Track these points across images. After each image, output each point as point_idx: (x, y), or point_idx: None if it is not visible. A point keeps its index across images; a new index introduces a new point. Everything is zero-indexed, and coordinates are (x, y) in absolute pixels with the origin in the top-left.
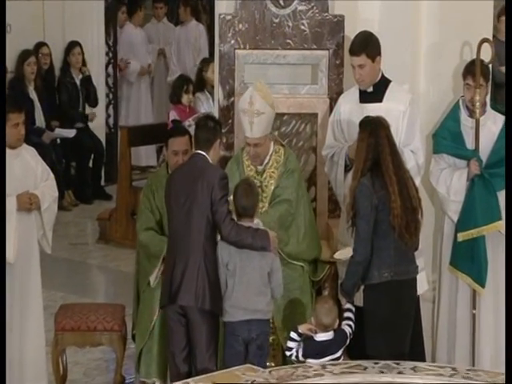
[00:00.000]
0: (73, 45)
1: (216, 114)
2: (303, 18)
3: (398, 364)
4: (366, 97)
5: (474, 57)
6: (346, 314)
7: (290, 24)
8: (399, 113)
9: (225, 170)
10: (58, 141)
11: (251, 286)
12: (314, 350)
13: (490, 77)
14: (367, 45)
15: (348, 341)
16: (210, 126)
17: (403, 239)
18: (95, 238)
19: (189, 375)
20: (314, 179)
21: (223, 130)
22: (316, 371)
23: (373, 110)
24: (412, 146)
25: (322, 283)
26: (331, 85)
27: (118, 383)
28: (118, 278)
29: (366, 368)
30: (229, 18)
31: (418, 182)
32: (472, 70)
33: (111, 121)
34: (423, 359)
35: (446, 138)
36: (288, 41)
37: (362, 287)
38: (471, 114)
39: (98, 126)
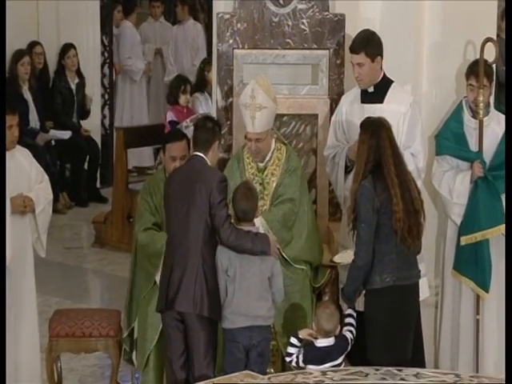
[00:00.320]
0: (67, 47)
1: (214, 115)
2: (303, 17)
3: (400, 370)
4: (367, 97)
5: (478, 57)
6: (347, 320)
7: (290, 23)
8: (400, 114)
9: (224, 170)
10: (53, 142)
11: (252, 291)
12: (314, 356)
13: (494, 77)
14: (367, 43)
15: (349, 347)
16: (209, 126)
17: (405, 243)
18: (90, 241)
19: (186, 382)
20: (315, 181)
21: (221, 132)
22: (316, 378)
23: (373, 110)
24: (412, 148)
25: (323, 288)
26: (332, 85)
27: None
28: (113, 282)
29: (367, 375)
30: (227, 16)
31: (418, 185)
32: (475, 70)
33: (107, 122)
34: (423, 366)
35: (449, 140)
36: (288, 40)
37: (364, 292)
38: (474, 114)
39: (93, 127)
